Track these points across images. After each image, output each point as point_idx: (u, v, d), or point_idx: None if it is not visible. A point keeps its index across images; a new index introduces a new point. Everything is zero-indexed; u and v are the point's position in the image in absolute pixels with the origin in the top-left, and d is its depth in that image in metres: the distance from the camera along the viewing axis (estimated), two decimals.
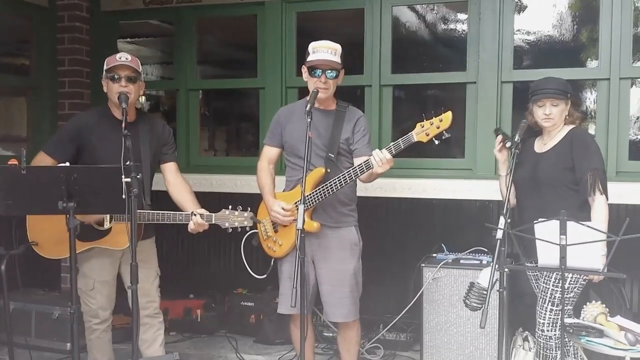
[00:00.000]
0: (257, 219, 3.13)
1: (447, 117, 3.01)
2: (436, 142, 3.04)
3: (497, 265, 2.73)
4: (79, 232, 2.76)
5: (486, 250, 4.05)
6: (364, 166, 3.10)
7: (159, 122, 3.47)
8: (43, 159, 3.18)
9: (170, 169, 3.36)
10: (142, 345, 3.36)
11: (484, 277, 3.07)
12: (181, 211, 3.15)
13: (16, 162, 2.74)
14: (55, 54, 5.13)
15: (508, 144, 3.20)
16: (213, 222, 3.05)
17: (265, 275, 3.40)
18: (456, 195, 4.38)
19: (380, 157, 3.03)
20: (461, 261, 3.98)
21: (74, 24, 5.10)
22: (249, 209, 3.10)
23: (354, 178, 3.15)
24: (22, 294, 4.21)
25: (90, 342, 3.40)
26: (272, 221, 3.37)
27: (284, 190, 3.43)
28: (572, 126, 3.21)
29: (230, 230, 3.06)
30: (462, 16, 4.96)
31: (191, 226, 3.07)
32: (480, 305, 3.06)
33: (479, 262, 3.94)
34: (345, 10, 4.83)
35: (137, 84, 3.16)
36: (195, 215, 3.04)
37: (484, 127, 4.34)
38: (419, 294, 3.95)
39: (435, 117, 3.02)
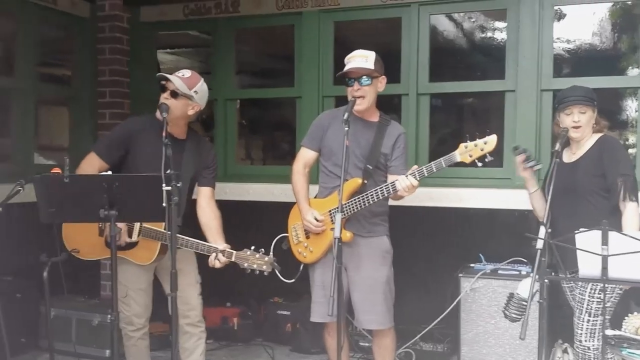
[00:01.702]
0: (277, 266, 3.08)
1: (492, 140, 3.00)
2: (479, 164, 3.03)
3: (537, 276, 2.68)
4: (108, 240, 2.79)
5: (525, 260, 3.98)
6: (390, 188, 3.13)
7: (207, 145, 3.47)
8: (92, 160, 3.21)
9: (205, 193, 3.34)
10: (183, 353, 3.36)
11: (523, 288, 3.02)
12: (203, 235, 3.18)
13: (59, 171, 2.79)
14: (96, 65, 5.23)
15: (530, 164, 3.17)
16: (232, 260, 3.05)
17: (293, 280, 3.38)
18: (494, 204, 4.32)
19: (406, 184, 3.06)
20: (499, 271, 3.93)
21: (114, 35, 5.19)
22: (271, 254, 3.10)
23: (386, 196, 3.17)
24: (63, 301, 4.28)
25: (127, 349, 3.42)
26: (304, 228, 3.38)
27: (316, 196, 3.44)
28: (600, 134, 3.20)
29: (249, 271, 3.05)
30: (500, 24, 4.92)
31: (212, 262, 3.07)
32: (519, 316, 3.02)
33: (517, 272, 3.88)
34: (382, 20, 4.82)
35: (181, 100, 3.15)
36: (219, 252, 3.04)
37: (523, 135, 4.28)
38: (454, 304, 3.91)
39: (480, 139, 3.00)
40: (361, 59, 3.24)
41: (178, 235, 3.02)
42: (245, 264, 3.03)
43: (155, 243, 3.16)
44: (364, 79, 3.22)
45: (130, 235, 3.17)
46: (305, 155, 3.46)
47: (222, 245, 3.10)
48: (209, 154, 3.39)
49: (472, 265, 4.03)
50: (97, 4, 5.17)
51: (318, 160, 3.49)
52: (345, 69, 3.25)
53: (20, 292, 4.26)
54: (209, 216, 3.26)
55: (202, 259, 3.42)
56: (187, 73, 3.19)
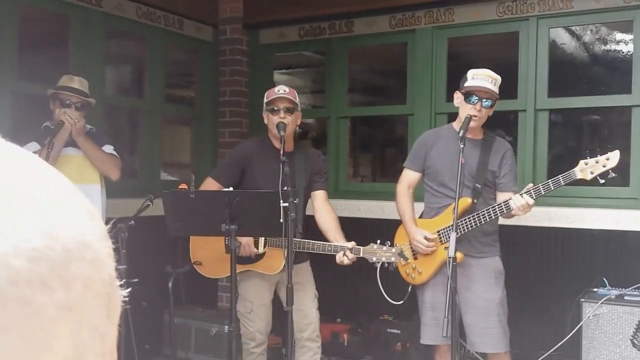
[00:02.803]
0: (405, 256, 3.10)
1: (615, 155, 2.87)
2: (601, 181, 2.90)
3: None
4: (237, 252, 2.91)
5: None
6: (503, 207, 3.05)
7: (315, 152, 3.58)
8: (210, 184, 3.37)
9: (319, 196, 3.42)
10: None
11: None
12: (324, 237, 3.23)
13: (186, 187, 2.96)
14: (217, 86, 5.46)
15: None
16: (360, 256, 3.07)
17: (402, 302, 3.36)
18: (620, 226, 4.09)
19: (521, 203, 2.96)
20: (626, 297, 3.69)
21: (234, 57, 5.41)
22: (397, 244, 3.10)
23: (499, 215, 3.11)
24: (184, 310, 4.49)
25: None
26: (411, 248, 3.34)
27: (421, 216, 3.40)
28: None
29: (378, 265, 3.06)
30: (624, 36, 4.68)
31: (340, 258, 3.10)
32: None
33: None
34: (497, 34, 4.73)
35: (294, 115, 3.27)
36: (347, 249, 3.07)
37: None
38: (575, 330, 3.71)
39: (601, 155, 2.88)
40: (490, 80, 3.16)
41: (304, 240, 3.13)
42: (374, 258, 3.04)
43: (282, 251, 3.23)
44: (487, 102, 3.16)
45: (257, 247, 3.29)
46: (408, 177, 3.43)
47: (348, 243, 3.13)
48: (318, 160, 3.48)
49: (595, 290, 3.82)
50: (220, 28, 5.42)
51: (422, 180, 3.45)
52: (473, 84, 3.17)
53: (145, 300, 4.50)
54: (326, 218, 3.33)
55: (317, 274, 3.48)
56: (286, 89, 3.31)
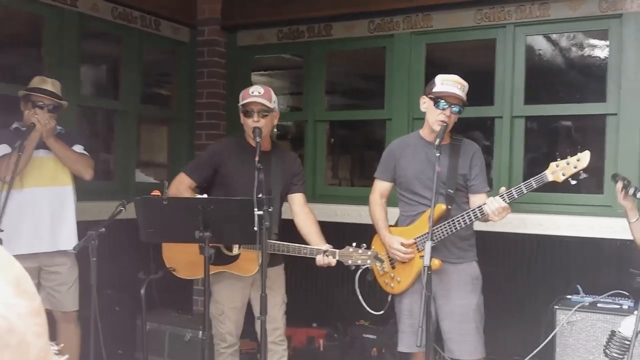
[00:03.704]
0: (381, 258, 3.09)
1: (585, 156, 2.88)
2: (573, 182, 2.92)
3: None
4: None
5: (627, 293, 3.76)
6: (477, 212, 3.04)
7: (291, 154, 3.57)
8: (183, 179, 3.34)
9: (297, 200, 3.41)
10: None
11: (626, 326, 2.86)
12: (303, 241, 3.20)
13: (158, 193, 2.92)
14: (194, 87, 5.42)
15: (631, 191, 2.99)
16: (336, 259, 3.05)
17: (382, 312, 3.35)
18: (594, 233, 4.12)
19: (495, 207, 2.96)
20: (599, 305, 3.72)
21: (212, 59, 5.38)
22: (373, 247, 3.09)
23: (474, 220, 3.10)
24: (158, 315, 4.44)
25: None
26: (389, 257, 3.33)
27: (396, 224, 3.39)
28: None
29: (353, 267, 3.05)
30: (600, 44, 4.72)
31: (320, 261, 3.07)
32: (621, 356, 2.86)
33: (619, 306, 3.66)
34: (475, 41, 4.74)
35: (269, 117, 3.24)
36: (325, 252, 3.04)
37: (626, 161, 4.07)
38: (549, 337, 3.74)
39: (572, 156, 2.89)
40: (459, 86, 3.17)
41: (280, 242, 3.10)
42: (350, 261, 3.02)
43: (256, 253, 3.20)
44: (456, 108, 3.16)
45: (231, 249, 3.26)
46: (380, 187, 3.43)
47: (324, 245, 3.11)
48: (294, 162, 3.47)
49: (569, 297, 3.85)
50: (197, 29, 5.38)
51: (394, 188, 3.44)
52: (443, 89, 3.17)
53: (118, 305, 4.45)
54: (305, 221, 3.32)
55: (288, 278, 3.46)
56: (261, 89, 3.25)
